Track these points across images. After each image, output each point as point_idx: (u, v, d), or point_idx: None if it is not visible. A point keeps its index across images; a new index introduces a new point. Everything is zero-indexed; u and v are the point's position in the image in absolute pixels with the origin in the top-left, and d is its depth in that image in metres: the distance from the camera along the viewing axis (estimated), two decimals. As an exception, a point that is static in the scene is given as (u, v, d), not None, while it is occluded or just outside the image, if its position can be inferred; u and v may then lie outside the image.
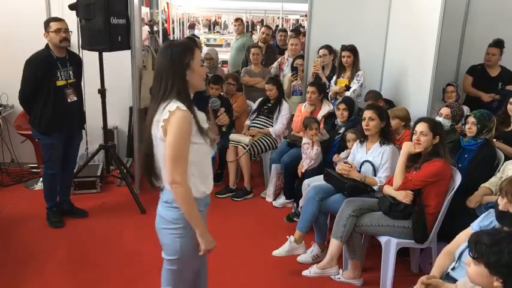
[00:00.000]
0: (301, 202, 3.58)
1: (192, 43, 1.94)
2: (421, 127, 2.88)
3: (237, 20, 7.11)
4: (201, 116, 1.94)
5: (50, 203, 3.76)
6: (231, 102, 4.78)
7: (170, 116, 1.77)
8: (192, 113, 1.83)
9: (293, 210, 4.00)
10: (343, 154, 3.63)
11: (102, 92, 4.13)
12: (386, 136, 3.25)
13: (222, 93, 4.71)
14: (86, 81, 3.97)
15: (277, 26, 13.06)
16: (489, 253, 1.59)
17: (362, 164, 3.30)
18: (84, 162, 4.36)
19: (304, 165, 3.87)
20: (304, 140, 3.88)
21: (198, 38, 8.30)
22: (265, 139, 4.59)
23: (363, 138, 3.36)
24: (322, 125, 4.06)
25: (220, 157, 4.71)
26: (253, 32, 13.87)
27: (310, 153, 3.81)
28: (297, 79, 4.79)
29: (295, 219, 3.79)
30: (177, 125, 1.77)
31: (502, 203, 2.02)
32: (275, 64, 5.29)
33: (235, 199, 4.40)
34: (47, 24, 3.48)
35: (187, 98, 1.84)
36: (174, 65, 1.81)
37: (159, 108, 1.83)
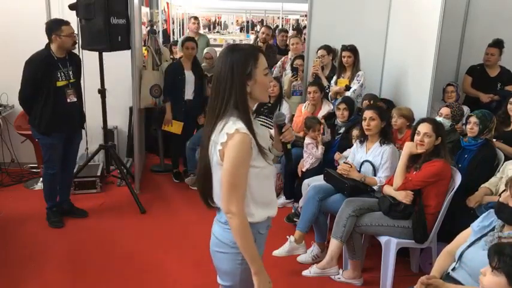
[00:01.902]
0: (301, 202, 3.58)
1: (256, 48, 1.68)
2: (425, 128, 2.86)
3: (196, 18, 6.95)
4: (263, 132, 1.72)
5: (50, 203, 3.76)
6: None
7: (228, 139, 1.57)
8: (252, 133, 1.60)
9: (293, 211, 3.99)
10: (346, 153, 3.63)
11: (102, 92, 4.13)
12: (386, 136, 3.25)
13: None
14: (86, 81, 3.97)
15: (276, 26, 13.06)
16: None
17: (362, 163, 3.30)
18: (84, 162, 4.37)
19: (305, 164, 3.87)
20: (308, 140, 3.88)
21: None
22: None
23: (362, 138, 3.36)
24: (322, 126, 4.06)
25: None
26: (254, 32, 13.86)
27: (315, 152, 3.82)
28: (297, 79, 4.78)
29: (295, 219, 3.79)
30: (236, 150, 1.56)
31: (504, 195, 2.02)
32: (278, 63, 5.28)
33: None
34: (57, 27, 3.44)
35: (245, 113, 1.61)
36: (233, 75, 1.60)
37: (217, 126, 1.62)
